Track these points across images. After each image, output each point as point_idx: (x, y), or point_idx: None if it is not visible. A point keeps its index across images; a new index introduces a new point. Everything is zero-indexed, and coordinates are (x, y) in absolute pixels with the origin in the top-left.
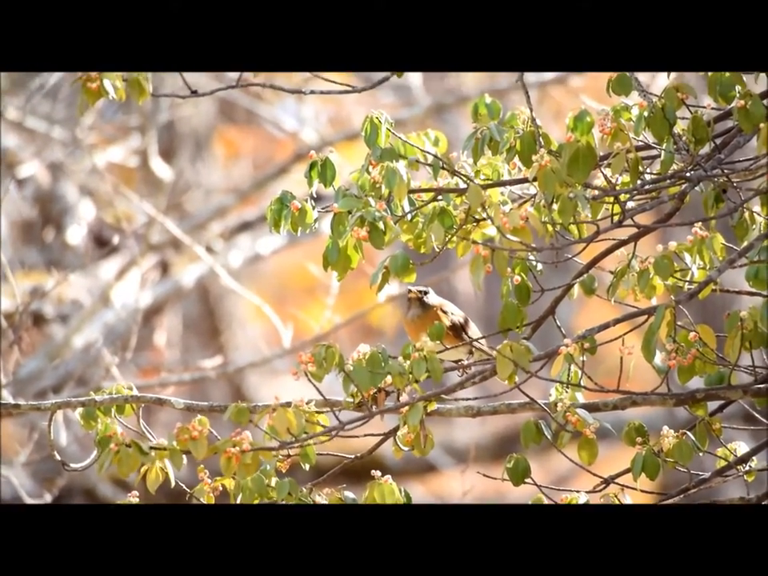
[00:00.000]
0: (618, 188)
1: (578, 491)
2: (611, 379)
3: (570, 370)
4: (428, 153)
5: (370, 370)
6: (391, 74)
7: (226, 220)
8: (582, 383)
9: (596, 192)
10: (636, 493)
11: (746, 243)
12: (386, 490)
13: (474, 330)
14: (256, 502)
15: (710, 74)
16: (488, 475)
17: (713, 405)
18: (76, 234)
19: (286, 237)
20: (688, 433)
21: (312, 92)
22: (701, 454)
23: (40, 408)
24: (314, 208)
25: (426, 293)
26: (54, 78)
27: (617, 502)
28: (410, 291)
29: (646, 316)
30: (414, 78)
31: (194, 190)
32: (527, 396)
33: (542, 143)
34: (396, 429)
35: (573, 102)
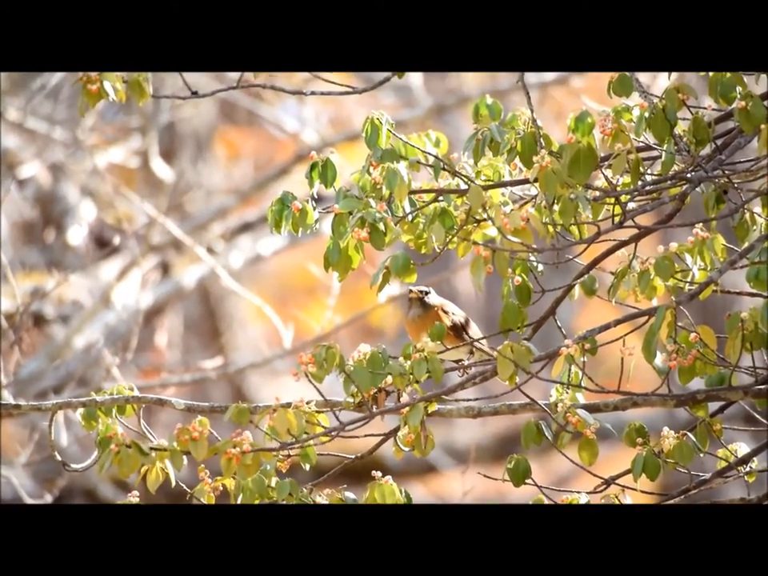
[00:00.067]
0: (618, 189)
1: (578, 492)
2: (612, 380)
3: (570, 370)
4: (429, 154)
5: (371, 371)
6: (392, 74)
7: (227, 221)
8: (583, 384)
9: (597, 193)
10: (636, 493)
11: (746, 244)
12: (387, 491)
13: (474, 331)
14: (256, 502)
15: (710, 74)
16: (488, 476)
17: (713, 406)
18: (77, 235)
19: (287, 237)
20: (689, 434)
21: (313, 93)
22: (701, 455)
23: (41, 408)
24: (314, 209)
25: (426, 293)
26: (54, 78)
27: (617, 503)
28: (410, 291)
29: (646, 317)
30: (415, 79)
31: (194, 190)
32: (528, 397)
33: (543, 144)
34: (396, 429)
35: (574, 102)
